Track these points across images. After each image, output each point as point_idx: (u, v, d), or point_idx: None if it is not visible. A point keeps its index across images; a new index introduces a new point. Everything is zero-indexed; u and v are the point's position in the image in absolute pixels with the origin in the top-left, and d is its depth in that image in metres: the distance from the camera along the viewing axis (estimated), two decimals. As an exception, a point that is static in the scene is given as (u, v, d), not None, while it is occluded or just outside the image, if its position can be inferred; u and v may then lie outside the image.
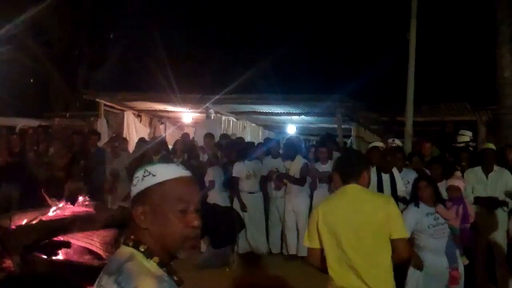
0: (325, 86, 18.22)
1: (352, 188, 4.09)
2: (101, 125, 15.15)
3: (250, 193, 10.02)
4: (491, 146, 8.09)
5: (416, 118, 12.83)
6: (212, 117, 15.51)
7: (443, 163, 8.08)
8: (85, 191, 8.00)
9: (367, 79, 16.82)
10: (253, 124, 17.96)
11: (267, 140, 12.07)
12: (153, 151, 11.14)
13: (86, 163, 10.35)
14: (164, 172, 2.02)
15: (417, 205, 5.84)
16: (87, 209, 6.87)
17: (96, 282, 1.99)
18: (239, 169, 10.03)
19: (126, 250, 1.98)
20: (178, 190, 1.99)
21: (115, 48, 24.25)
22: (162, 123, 18.24)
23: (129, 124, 15.92)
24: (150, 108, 16.80)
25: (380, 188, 7.16)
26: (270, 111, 15.90)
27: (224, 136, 12.66)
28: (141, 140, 12.38)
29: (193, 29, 24.08)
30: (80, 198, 7.19)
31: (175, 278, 2.02)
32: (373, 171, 7.75)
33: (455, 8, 19.45)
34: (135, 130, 15.77)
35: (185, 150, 11.28)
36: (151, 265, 1.94)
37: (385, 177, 7.43)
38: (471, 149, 9.79)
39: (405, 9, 12.38)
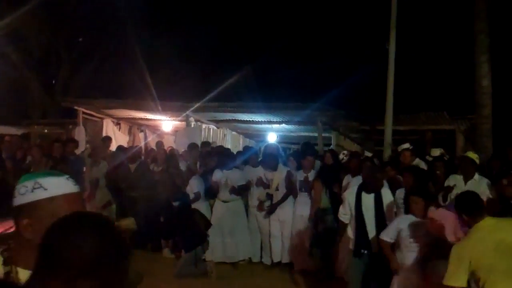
0: (305, 95, 18.30)
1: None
2: (80, 133, 15.02)
3: (224, 201, 9.98)
4: (471, 155, 8.14)
5: (396, 127, 12.90)
6: (192, 125, 15.43)
7: (415, 172, 8.12)
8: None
9: (347, 88, 16.92)
10: (233, 132, 17.93)
11: (245, 149, 12.01)
12: (130, 159, 11.08)
13: (66, 170, 10.24)
14: (54, 187, 2.00)
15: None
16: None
17: None
18: (218, 176, 9.99)
19: None
20: (66, 207, 1.95)
21: (94, 56, 24.14)
22: (141, 131, 18.13)
23: (108, 132, 15.80)
24: (130, 116, 16.69)
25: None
26: (251, 120, 15.88)
27: (205, 144, 12.61)
28: (119, 148, 12.29)
29: (173, 36, 24.02)
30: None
31: None
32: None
33: (433, 18, 19.62)
34: (114, 138, 15.64)
35: (165, 159, 11.22)
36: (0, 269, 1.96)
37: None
38: (446, 158, 9.82)
39: (385, 20, 12.48)
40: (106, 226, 1.70)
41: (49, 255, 1.61)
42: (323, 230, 8.86)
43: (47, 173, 2.08)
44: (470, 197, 4.86)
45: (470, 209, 4.61)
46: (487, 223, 4.45)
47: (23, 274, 1.94)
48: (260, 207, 9.85)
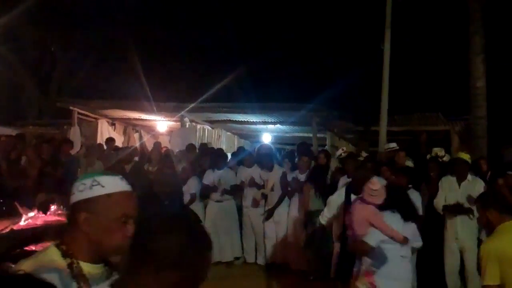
0: (300, 96, 18.29)
1: None
2: (74, 133, 14.99)
3: (217, 201, 9.97)
4: (464, 156, 8.15)
5: (390, 128, 12.92)
6: (187, 126, 15.43)
7: (409, 173, 8.13)
8: (57, 201, 7.88)
9: (342, 89, 16.94)
10: (228, 133, 17.93)
11: (239, 149, 12.00)
12: (125, 160, 11.06)
13: (56, 171, 10.22)
14: (111, 184, 2.19)
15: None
16: (60, 218, 6.77)
17: None
18: (209, 177, 9.99)
19: (47, 245, 2.19)
20: (122, 203, 2.18)
21: (89, 56, 24.10)
22: (136, 131, 18.10)
23: (103, 132, 15.78)
24: (125, 116, 16.67)
25: None
26: (246, 120, 15.87)
27: (203, 145, 12.62)
28: (114, 149, 12.28)
29: (168, 37, 24.00)
30: (53, 207, 7.08)
31: (81, 285, 2.11)
32: None
33: (428, 19, 19.64)
34: (109, 138, 15.62)
35: (160, 159, 11.20)
36: (59, 261, 2.10)
37: None
38: (440, 160, 9.83)
39: (380, 20, 12.50)
40: (191, 222, 1.92)
41: (141, 250, 1.79)
42: (313, 232, 8.87)
43: (103, 172, 2.29)
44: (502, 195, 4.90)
45: (501, 207, 4.51)
46: None
47: (85, 267, 2.14)
48: (255, 203, 9.85)
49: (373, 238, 5.23)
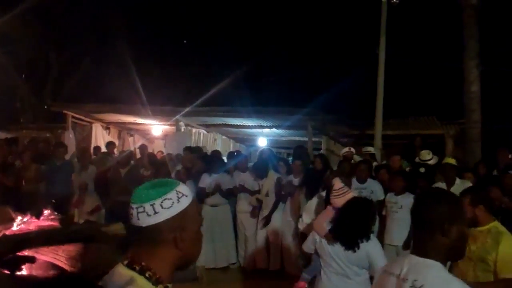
0: (296, 100, 18.29)
1: None
2: (69, 137, 14.95)
3: (212, 206, 9.92)
4: (451, 161, 8.15)
5: (385, 132, 12.95)
6: (182, 130, 15.41)
7: (405, 176, 8.14)
8: (50, 205, 7.85)
9: (338, 93, 16.94)
10: (223, 137, 17.92)
11: (231, 153, 11.96)
12: (121, 164, 11.04)
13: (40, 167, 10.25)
14: (189, 191, 2.01)
15: None
16: (53, 223, 6.74)
17: None
18: (205, 181, 9.94)
19: (127, 273, 1.92)
20: (197, 207, 2.06)
21: (84, 60, 24.06)
22: (131, 135, 18.09)
23: (97, 136, 15.75)
24: (119, 120, 16.64)
25: None
26: (241, 124, 15.87)
27: (197, 149, 12.60)
28: (108, 153, 12.27)
29: (164, 41, 24.01)
30: (46, 212, 7.05)
31: None
32: None
33: (423, 24, 19.70)
34: (103, 142, 15.56)
35: (153, 164, 11.18)
36: None
37: None
38: (427, 163, 9.84)
39: (375, 25, 12.53)
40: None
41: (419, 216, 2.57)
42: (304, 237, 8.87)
43: (170, 182, 2.02)
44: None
45: (490, 206, 4.68)
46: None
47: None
48: (253, 213, 9.82)
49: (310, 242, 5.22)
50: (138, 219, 1.94)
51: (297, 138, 17.03)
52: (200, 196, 9.91)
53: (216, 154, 11.64)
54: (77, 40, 23.29)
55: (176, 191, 1.96)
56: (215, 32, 24.89)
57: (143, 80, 18.19)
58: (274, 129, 16.10)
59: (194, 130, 16.08)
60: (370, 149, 10.55)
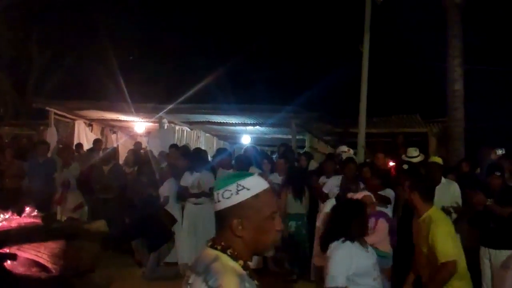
0: (279, 97, 18.28)
1: None
2: (51, 134, 14.82)
3: (195, 204, 9.86)
4: (436, 159, 8.17)
5: (369, 130, 12.98)
6: (166, 127, 15.34)
7: (383, 174, 8.16)
8: (32, 202, 7.78)
9: (321, 90, 16.96)
10: (207, 134, 17.87)
11: (219, 151, 11.91)
12: (103, 161, 10.98)
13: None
14: (255, 185, 2.24)
15: None
16: (35, 220, 6.67)
17: (184, 281, 2.26)
18: (187, 179, 9.89)
19: (212, 253, 2.23)
20: (267, 200, 2.25)
21: (67, 56, 23.88)
22: (114, 132, 17.98)
23: (79, 133, 15.63)
24: (102, 117, 16.53)
25: None
26: (225, 121, 15.83)
27: (184, 147, 12.54)
28: (91, 150, 12.20)
29: (146, 37, 23.88)
30: (27, 209, 6.98)
31: (256, 282, 2.27)
32: None
33: (407, 22, 19.76)
34: (86, 139, 15.46)
35: (137, 162, 11.13)
36: (236, 266, 2.18)
37: None
38: (413, 160, 9.86)
39: (359, 23, 12.55)
40: None
41: None
42: (288, 236, 8.90)
43: (243, 174, 2.30)
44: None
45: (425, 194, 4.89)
46: None
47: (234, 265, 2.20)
48: None
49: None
50: (215, 203, 2.28)
51: (280, 136, 17.02)
52: (182, 195, 9.87)
53: (199, 151, 11.59)
54: (60, 37, 23.08)
55: (237, 184, 2.22)
56: (199, 29, 24.83)
57: (126, 77, 18.08)
58: (258, 127, 16.07)
59: (177, 127, 16.02)
60: (344, 149, 10.53)
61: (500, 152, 8.43)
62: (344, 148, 10.45)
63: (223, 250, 2.21)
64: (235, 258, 2.19)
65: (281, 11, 24.75)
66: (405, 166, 9.60)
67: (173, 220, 9.40)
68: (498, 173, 7.25)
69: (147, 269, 8.88)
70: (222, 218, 2.24)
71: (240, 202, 2.20)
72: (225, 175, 2.44)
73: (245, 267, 2.21)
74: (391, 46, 19.48)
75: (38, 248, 6.20)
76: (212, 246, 2.25)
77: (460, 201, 7.70)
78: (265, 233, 2.25)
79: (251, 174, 2.32)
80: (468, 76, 12.26)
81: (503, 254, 6.91)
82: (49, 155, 11.60)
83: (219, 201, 2.24)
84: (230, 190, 2.21)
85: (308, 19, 24.32)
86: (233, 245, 2.22)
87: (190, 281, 2.20)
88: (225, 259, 2.18)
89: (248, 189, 2.21)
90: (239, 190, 2.20)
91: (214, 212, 2.27)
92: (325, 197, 8.60)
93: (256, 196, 2.21)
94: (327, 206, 6.54)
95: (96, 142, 13.20)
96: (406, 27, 19.91)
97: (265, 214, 2.23)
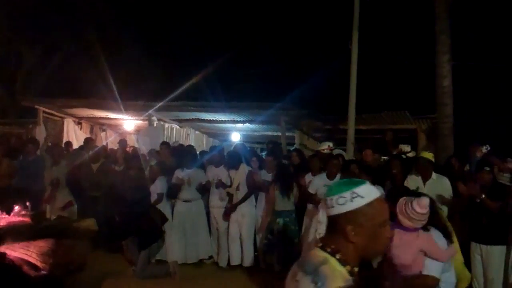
0: (269, 94, 18.27)
1: None
2: (40, 132, 14.76)
3: (185, 201, 9.86)
4: (427, 155, 8.19)
5: (358, 126, 13.01)
6: (155, 125, 15.31)
7: (371, 170, 8.18)
8: (21, 200, 7.71)
9: (311, 87, 16.96)
10: (197, 132, 17.85)
11: (211, 148, 11.91)
12: (92, 159, 10.95)
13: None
14: (369, 193, 2.32)
15: None
16: (24, 218, 6.63)
17: (289, 275, 2.37)
18: (180, 175, 9.89)
19: (321, 254, 2.31)
20: (379, 208, 2.33)
21: (56, 54, 23.76)
22: (103, 130, 17.92)
23: (69, 132, 15.58)
24: (91, 115, 16.48)
25: None
26: (214, 119, 15.82)
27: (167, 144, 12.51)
28: (81, 148, 12.15)
29: (135, 35, 23.80)
30: (16, 208, 6.94)
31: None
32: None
33: (395, 18, 19.81)
34: (75, 137, 15.41)
35: (126, 159, 11.09)
36: (343, 271, 2.24)
37: None
38: (404, 156, 9.89)
39: (348, 20, 12.56)
40: None
41: None
42: (276, 232, 8.92)
43: (355, 182, 2.37)
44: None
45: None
46: None
47: (342, 270, 2.27)
48: (225, 216, 9.79)
49: (435, 269, 4.55)
50: (327, 208, 2.36)
51: (270, 133, 17.03)
52: (173, 192, 9.87)
53: (189, 149, 11.59)
54: (49, 34, 22.96)
55: (352, 191, 2.30)
56: (188, 26, 24.77)
57: (116, 75, 18.01)
58: (247, 124, 16.07)
59: (166, 125, 15.99)
60: (325, 146, 10.52)
61: (485, 149, 8.45)
62: (325, 145, 10.44)
63: (332, 254, 2.29)
64: (343, 263, 2.27)
65: (270, 8, 24.75)
66: (406, 154, 9.69)
67: (164, 218, 9.38)
68: (487, 169, 7.32)
69: (138, 267, 8.86)
70: (335, 223, 2.33)
71: (354, 209, 2.28)
72: (338, 181, 2.47)
73: (351, 272, 2.27)
74: (380, 43, 19.52)
75: (27, 246, 6.16)
76: (322, 248, 2.34)
77: (451, 196, 7.75)
78: (376, 240, 2.33)
79: (364, 182, 2.38)
80: (457, 72, 12.28)
81: (494, 249, 6.98)
82: (38, 153, 11.54)
83: (332, 207, 2.32)
84: (345, 197, 2.29)
85: (297, 16, 24.32)
86: (343, 249, 2.30)
87: (297, 278, 2.29)
88: (334, 263, 2.26)
89: (362, 197, 2.29)
90: (353, 198, 2.28)
91: (327, 217, 2.38)
92: (310, 197, 8.63)
93: (370, 204, 2.29)
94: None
95: (88, 141, 13.14)
96: (394, 24, 19.98)
97: (377, 221, 2.31)
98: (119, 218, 9.76)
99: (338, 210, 2.30)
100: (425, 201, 4.55)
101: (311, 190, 8.66)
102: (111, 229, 9.71)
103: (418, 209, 4.48)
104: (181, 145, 12.98)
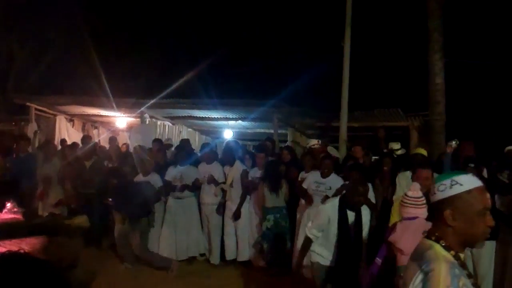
0: (261, 92, 18.27)
1: None
2: (32, 130, 14.72)
3: (177, 198, 9.85)
4: (421, 151, 8.22)
5: (351, 124, 13.02)
6: (147, 122, 15.28)
7: (361, 169, 8.19)
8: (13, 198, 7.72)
9: (303, 85, 16.98)
10: (189, 129, 17.83)
11: (203, 146, 11.90)
12: (85, 156, 10.92)
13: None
14: (468, 182, 2.52)
15: None
16: (16, 216, 6.63)
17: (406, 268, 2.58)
18: (171, 173, 9.88)
19: (427, 242, 2.55)
20: (480, 197, 2.50)
21: (48, 52, 23.66)
22: (95, 127, 17.89)
23: (61, 129, 15.54)
24: (83, 113, 16.44)
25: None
26: (207, 116, 15.80)
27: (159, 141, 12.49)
28: (73, 145, 12.12)
29: (127, 32, 23.74)
30: (8, 205, 6.93)
31: (466, 272, 2.46)
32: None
33: (388, 16, 19.84)
34: (67, 135, 15.37)
35: (118, 156, 11.07)
36: (448, 255, 2.44)
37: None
38: (395, 155, 9.91)
39: (340, 17, 12.56)
40: None
41: None
42: (267, 229, 8.93)
43: (457, 173, 2.60)
44: None
45: None
46: None
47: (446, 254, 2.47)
48: (219, 211, 9.79)
49: None
50: (431, 196, 2.61)
51: (263, 130, 17.02)
52: (167, 189, 9.85)
53: (183, 145, 11.58)
54: (40, 31, 22.86)
55: (452, 179, 2.53)
56: (180, 24, 24.72)
57: (107, 72, 17.96)
58: (240, 121, 16.07)
59: (159, 122, 15.97)
60: (314, 142, 10.53)
61: (454, 143, 8.45)
62: (313, 142, 10.45)
63: (437, 241, 2.51)
64: (447, 248, 2.47)
65: (263, 5, 24.73)
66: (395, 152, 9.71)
67: (158, 198, 9.43)
68: (471, 165, 7.38)
69: (134, 245, 8.83)
70: (437, 209, 2.56)
71: (452, 195, 2.49)
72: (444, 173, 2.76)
73: (456, 257, 2.46)
74: (372, 40, 19.54)
75: (20, 243, 6.17)
76: (427, 237, 2.57)
77: None
78: (475, 227, 2.48)
79: (465, 173, 2.60)
80: (449, 70, 12.31)
81: (485, 245, 7.01)
82: (30, 150, 11.52)
83: (434, 194, 2.57)
84: (445, 184, 2.53)
85: (290, 13, 24.31)
86: (445, 236, 2.51)
87: (408, 265, 2.56)
88: (438, 248, 2.47)
89: (461, 185, 2.49)
90: (452, 185, 2.50)
91: (430, 204, 2.65)
92: (305, 193, 8.63)
93: (469, 191, 2.48)
94: (327, 206, 5.93)
95: (85, 138, 13.10)
96: (387, 21, 20.01)
97: (476, 209, 2.47)
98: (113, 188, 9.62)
99: (438, 196, 2.54)
100: (416, 185, 5.05)
101: (304, 185, 8.68)
102: (105, 226, 9.70)
103: (410, 193, 4.98)
104: (159, 140, 12.94)
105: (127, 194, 8.90)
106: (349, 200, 5.74)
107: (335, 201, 5.86)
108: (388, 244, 5.07)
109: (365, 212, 5.90)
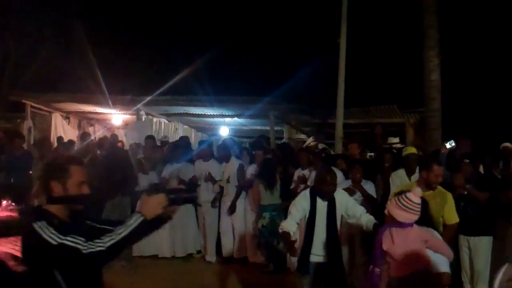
0: (257, 89, 18.26)
1: None
2: (27, 127, 14.69)
3: None
4: (413, 150, 8.19)
5: (347, 120, 13.03)
6: (143, 119, 15.27)
7: (363, 164, 8.18)
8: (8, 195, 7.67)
9: (299, 82, 16.96)
10: (185, 126, 17.82)
11: (200, 143, 11.87)
12: (81, 153, 10.89)
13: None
14: None
15: None
16: (12, 213, 6.60)
17: None
18: (168, 171, 9.87)
19: None
20: None
21: (43, 48, 23.59)
22: (91, 125, 17.85)
23: (57, 126, 15.51)
24: (79, 110, 16.42)
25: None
26: (203, 113, 15.79)
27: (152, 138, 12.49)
28: (70, 142, 12.10)
29: (124, 29, 23.70)
30: (4, 202, 6.90)
31: None
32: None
33: (384, 12, 19.84)
34: (63, 132, 15.34)
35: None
36: None
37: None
38: (395, 151, 9.91)
39: (336, 14, 12.56)
40: None
41: None
42: (263, 226, 8.93)
43: None
44: None
45: None
46: None
47: None
48: (213, 204, 9.77)
49: (444, 263, 4.62)
50: None
51: (259, 127, 17.03)
52: (158, 187, 9.80)
53: (180, 143, 11.55)
54: (36, 29, 22.78)
55: None
56: (176, 20, 24.69)
57: (103, 69, 17.92)
58: (236, 118, 16.07)
59: (155, 119, 15.96)
60: (310, 140, 10.53)
61: (449, 144, 8.44)
62: (309, 140, 10.48)
63: None
64: None
65: (259, 2, 24.71)
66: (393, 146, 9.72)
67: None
68: (467, 161, 7.37)
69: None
70: None
71: None
72: None
73: None
74: (368, 37, 19.54)
75: (15, 241, 6.13)
76: None
77: None
78: None
79: None
80: (445, 66, 12.31)
81: (482, 240, 7.04)
82: (25, 147, 11.48)
83: None
84: None
85: (286, 10, 24.28)
86: None
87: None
88: None
89: None
90: None
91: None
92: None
93: None
94: (299, 198, 5.87)
95: (83, 135, 13.07)
96: (383, 18, 20.01)
97: None
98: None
99: None
100: (419, 190, 4.51)
101: (308, 183, 8.65)
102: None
103: (412, 198, 4.39)
104: (152, 137, 12.95)
105: (110, 166, 8.93)
106: (317, 190, 5.68)
107: (307, 192, 5.84)
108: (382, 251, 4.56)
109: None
